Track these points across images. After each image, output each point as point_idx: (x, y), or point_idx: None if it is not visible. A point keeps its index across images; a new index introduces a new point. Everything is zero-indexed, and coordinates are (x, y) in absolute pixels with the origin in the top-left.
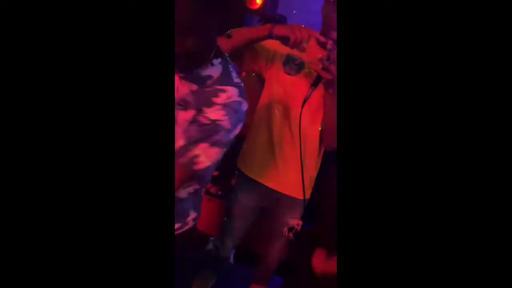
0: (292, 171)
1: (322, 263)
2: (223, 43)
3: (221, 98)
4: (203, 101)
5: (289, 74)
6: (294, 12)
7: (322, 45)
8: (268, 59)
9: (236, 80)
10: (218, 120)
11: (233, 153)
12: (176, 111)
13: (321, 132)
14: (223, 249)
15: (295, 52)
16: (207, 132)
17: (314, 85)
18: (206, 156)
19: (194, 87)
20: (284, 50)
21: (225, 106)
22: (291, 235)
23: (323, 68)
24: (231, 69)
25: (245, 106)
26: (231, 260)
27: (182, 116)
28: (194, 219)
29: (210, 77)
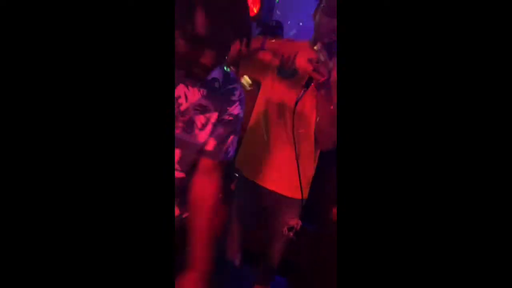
0: (289, 172)
1: None
2: None
3: (236, 95)
4: (224, 101)
5: (282, 78)
6: (301, 24)
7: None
8: (263, 66)
9: (233, 76)
10: (238, 114)
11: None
12: (196, 117)
13: (315, 133)
14: (228, 252)
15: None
16: (232, 126)
17: (306, 86)
18: (233, 146)
19: (204, 92)
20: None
21: (240, 101)
22: (291, 234)
23: (314, 70)
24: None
25: (244, 97)
26: (237, 263)
27: (202, 121)
28: None
29: (216, 79)
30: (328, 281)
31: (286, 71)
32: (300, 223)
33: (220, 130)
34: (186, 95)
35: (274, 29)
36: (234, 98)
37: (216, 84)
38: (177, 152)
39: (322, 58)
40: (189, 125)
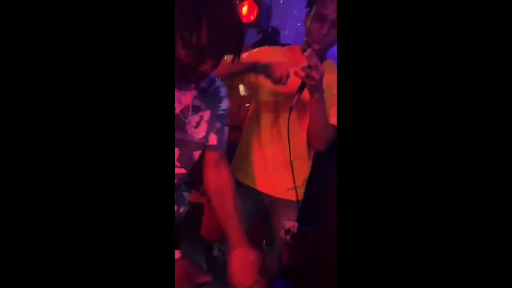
0: (284, 175)
1: None
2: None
3: (223, 92)
4: (214, 99)
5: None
6: (298, 24)
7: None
8: (254, 85)
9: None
10: (227, 108)
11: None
12: (191, 117)
13: (308, 136)
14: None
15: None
16: (225, 119)
17: (299, 91)
18: (226, 136)
19: (195, 93)
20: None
21: (227, 96)
22: (288, 237)
23: (306, 75)
24: None
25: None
26: None
27: (196, 119)
28: None
29: (209, 83)
30: (328, 282)
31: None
32: (296, 225)
33: (218, 125)
34: (180, 99)
35: (271, 36)
36: (222, 95)
37: (203, 84)
38: (176, 151)
39: (312, 63)
40: (184, 125)
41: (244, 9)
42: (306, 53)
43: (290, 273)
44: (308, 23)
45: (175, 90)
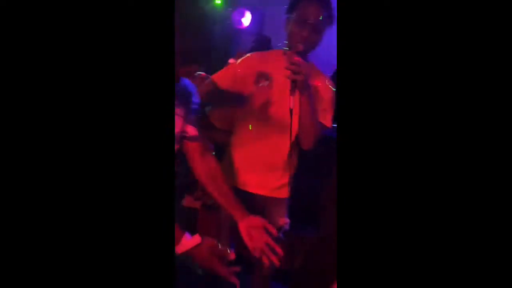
0: (273, 173)
1: None
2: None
3: (191, 87)
4: (186, 95)
5: (261, 89)
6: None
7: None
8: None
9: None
10: (198, 102)
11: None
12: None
13: (299, 133)
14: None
15: (265, 70)
16: (198, 111)
17: (292, 91)
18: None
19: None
20: (255, 69)
21: (196, 91)
22: (280, 234)
23: (293, 72)
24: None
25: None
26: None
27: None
28: None
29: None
30: (322, 286)
31: (265, 78)
32: (288, 221)
33: (192, 117)
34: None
35: (263, 44)
36: (191, 90)
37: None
38: None
39: (293, 60)
40: None
41: (238, 17)
42: (286, 54)
43: (286, 276)
44: (289, 28)
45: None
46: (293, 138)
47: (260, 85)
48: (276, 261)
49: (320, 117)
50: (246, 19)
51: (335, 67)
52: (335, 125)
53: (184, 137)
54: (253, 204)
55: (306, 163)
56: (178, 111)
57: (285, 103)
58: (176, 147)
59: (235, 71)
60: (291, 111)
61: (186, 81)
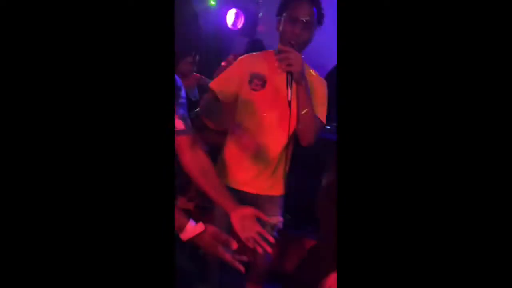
0: (267, 171)
1: None
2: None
3: (179, 82)
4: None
5: (254, 90)
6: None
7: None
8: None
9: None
10: (185, 96)
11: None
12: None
13: (299, 129)
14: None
15: (258, 71)
16: (185, 106)
17: (289, 84)
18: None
19: None
20: (248, 70)
21: (183, 85)
22: (274, 233)
23: (287, 64)
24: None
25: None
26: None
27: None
28: None
29: None
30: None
31: (257, 78)
32: (281, 220)
33: (181, 111)
34: None
35: (256, 48)
36: (179, 84)
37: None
38: None
39: (284, 48)
40: None
41: (230, 18)
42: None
43: (279, 277)
44: (280, 28)
45: None
46: (291, 131)
47: (254, 85)
48: (268, 249)
49: (316, 112)
50: (238, 20)
51: (328, 68)
52: (335, 125)
53: (176, 132)
54: (246, 203)
55: (300, 161)
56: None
57: (279, 102)
58: None
59: (229, 76)
60: (289, 103)
61: (177, 77)
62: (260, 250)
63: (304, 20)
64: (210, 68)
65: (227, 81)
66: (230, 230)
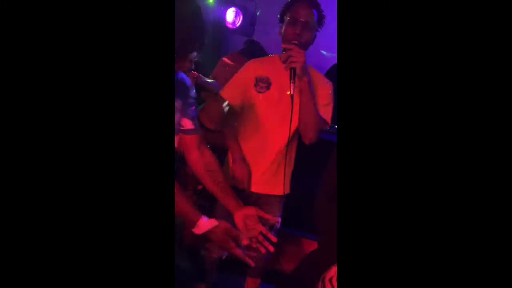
0: (270, 171)
1: None
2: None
3: (189, 82)
4: (184, 89)
5: (259, 92)
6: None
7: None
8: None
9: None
10: (194, 96)
11: None
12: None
13: (301, 126)
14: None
15: (263, 75)
16: (195, 106)
17: (292, 78)
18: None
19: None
20: (254, 74)
21: (193, 85)
22: (272, 233)
23: (290, 61)
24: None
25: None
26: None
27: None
28: None
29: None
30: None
31: (262, 82)
32: (279, 220)
33: (190, 111)
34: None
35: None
36: (188, 84)
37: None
38: None
39: (289, 48)
40: None
41: (229, 16)
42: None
43: (275, 277)
44: (283, 31)
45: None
46: (293, 127)
47: (259, 87)
48: (271, 248)
49: (321, 112)
50: (236, 18)
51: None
52: (335, 126)
53: (180, 130)
54: (247, 201)
55: (303, 161)
56: (176, 104)
57: (282, 102)
58: (176, 137)
59: (237, 82)
60: (292, 97)
61: (183, 75)
62: (263, 250)
63: (304, 21)
64: (208, 66)
65: (236, 87)
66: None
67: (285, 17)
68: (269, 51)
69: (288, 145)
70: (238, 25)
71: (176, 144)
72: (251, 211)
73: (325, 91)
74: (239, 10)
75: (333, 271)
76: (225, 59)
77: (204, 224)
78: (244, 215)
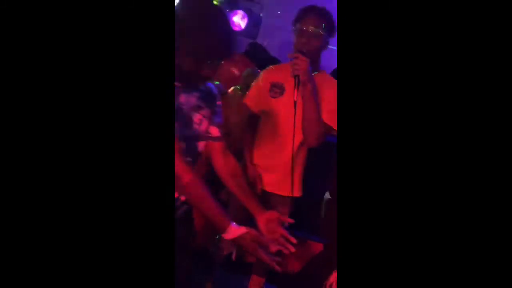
0: (280, 171)
1: None
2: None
3: (215, 90)
4: (212, 98)
5: (273, 97)
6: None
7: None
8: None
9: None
10: (220, 104)
11: None
12: (194, 116)
13: (303, 130)
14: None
15: (277, 81)
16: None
17: (297, 85)
18: None
19: (197, 94)
20: (270, 80)
21: (219, 94)
22: None
23: (294, 69)
24: None
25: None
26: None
27: (198, 117)
28: None
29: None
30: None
31: (276, 87)
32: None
33: (218, 119)
34: (188, 101)
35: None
36: (215, 93)
37: (202, 87)
38: (182, 144)
39: (294, 55)
40: (189, 123)
41: (235, 18)
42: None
43: (277, 277)
44: (294, 39)
45: (183, 94)
46: (296, 133)
47: (273, 93)
48: (292, 249)
49: (326, 119)
50: (242, 21)
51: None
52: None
53: (208, 137)
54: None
55: (309, 163)
56: (204, 113)
57: (292, 108)
58: (202, 143)
59: (257, 89)
60: (295, 103)
61: (211, 84)
62: (286, 251)
63: (310, 31)
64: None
65: (256, 94)
66: None
67: (294, 27)
68: (272, 53)
69: (294, 149)
70: (243, 27)
71: (200, 149)
72: (272, 214)
73: (330, 95)
74: (245, 14)
75: (333, 277)
76: (226, 62)
77: (234, 230)
78: (266, 219)
